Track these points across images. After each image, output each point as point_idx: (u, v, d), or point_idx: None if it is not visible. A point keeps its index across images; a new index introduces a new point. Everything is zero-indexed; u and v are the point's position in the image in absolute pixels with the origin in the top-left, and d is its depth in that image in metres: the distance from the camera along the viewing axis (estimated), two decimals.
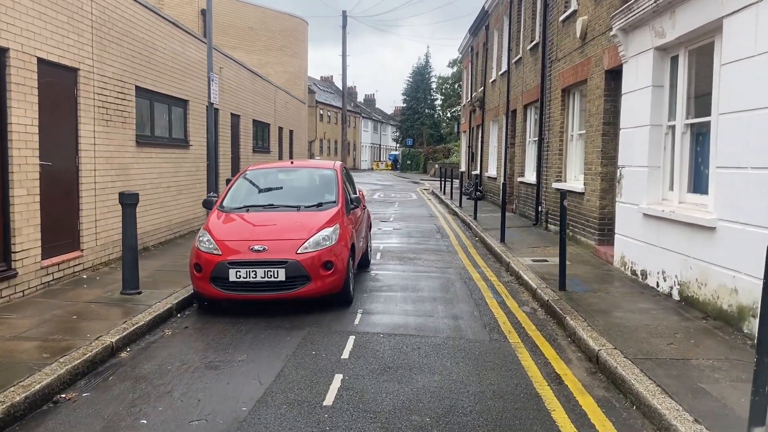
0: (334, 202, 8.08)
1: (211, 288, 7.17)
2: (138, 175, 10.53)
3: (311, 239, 7.26)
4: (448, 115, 71.69)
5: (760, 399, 3.80)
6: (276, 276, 7.01)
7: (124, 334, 6.11)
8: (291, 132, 25.17)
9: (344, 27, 29.12)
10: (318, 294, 7.24)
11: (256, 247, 7.12)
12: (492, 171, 23.11)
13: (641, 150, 8.75)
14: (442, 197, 26.18)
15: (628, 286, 8.43)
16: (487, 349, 6.17)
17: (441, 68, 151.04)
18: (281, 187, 8.75)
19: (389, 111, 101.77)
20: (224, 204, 8.21)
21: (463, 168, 33.41)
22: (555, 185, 13.54)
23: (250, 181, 8.77)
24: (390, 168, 74.63)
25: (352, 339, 6.37)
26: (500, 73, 21.12)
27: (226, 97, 15.53)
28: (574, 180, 12.99)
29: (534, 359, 5.90)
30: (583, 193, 11.70)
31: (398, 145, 77.48)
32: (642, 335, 6.17)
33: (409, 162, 65.33)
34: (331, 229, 7.46)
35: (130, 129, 10.17)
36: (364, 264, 10.13)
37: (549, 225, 14.20)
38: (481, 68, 26.69)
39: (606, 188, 10.79)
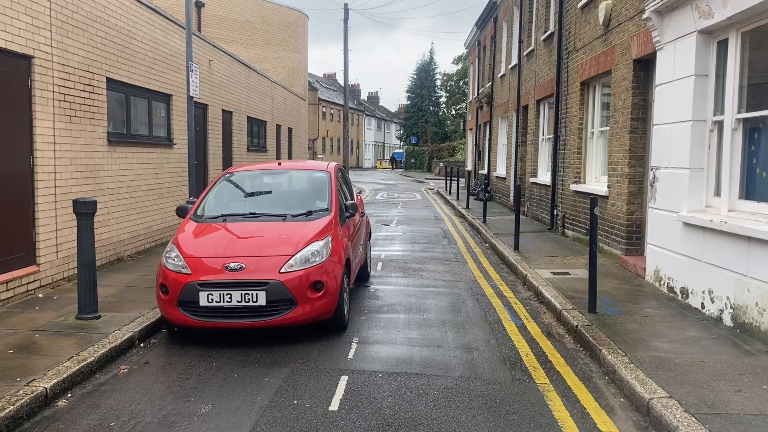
0: (327, 210, 6.93)
1: (178, 313, 6.05)
2: (110, 178, 9.41)
3: (298, 255, 6.13)
4: (453, 112, 70.51)
5: None
6: (255, 300, 5.88)
7: (66, 375, 4.99)
8: (290, 130, 24.06)
9: (346, 20, 27.99)
10: (305, 321, 6.12)
11: (232, 265, 6.00)
12: (501, 170, 21.94)
13: (681, 149, 7.59)
14: (448, 198, 25.04)
15: (667, 306, 7.28)
16: (510, 393, 5.03)
17: (445, 65, 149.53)
18: (265, 193, 7.60)
19: (393, 109, 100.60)
20: (198, 212, 7.08)
21: (469, 167, 32.24)
22: (573, 187, 12.39)
23: (230, 186, 7.64)
24: (391, 167, 73.47)
25: (344, 380, 5.23)
26: (510, 66, 19.95)
27: (216, 92, 14.42)
28: (595, 182, 11.83)
29: (568, 408, 4.76)
30: (606, 197, 10.54)
31: (402, 143, 76.29)
32: (700, 377, 5.02)
33: (413, 160, 64.13)
34: (321, 242, 6.33)
35: (100, 126, 9.06)
36: (363, 277, 9.01)
37: (566, 230, 13.04)
38: (488, 63, 25.51)
39: (634, 191, 9.64)
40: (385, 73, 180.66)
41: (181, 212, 7.25)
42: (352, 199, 8.42)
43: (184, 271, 6.06)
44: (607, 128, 11.10)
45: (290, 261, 6.06)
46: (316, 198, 7.19)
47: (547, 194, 14.66)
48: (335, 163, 8.12)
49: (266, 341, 6.25)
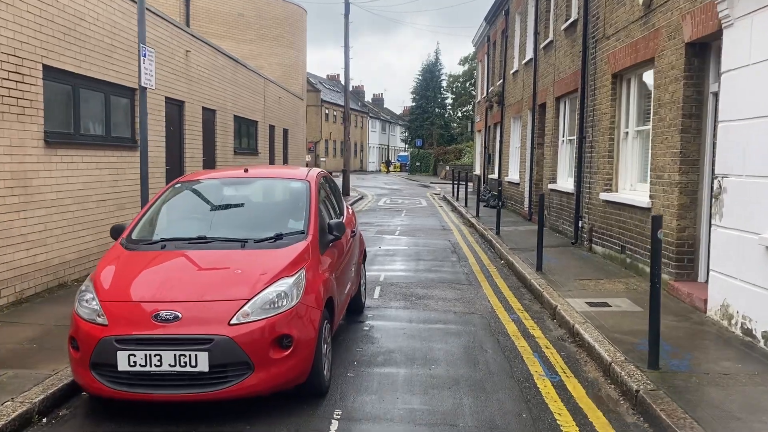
0: (302, 232, 5.22)
1: (92, 378, 4.37)
2: (50, 187, 7.75)
3: (257, 298, 4.44)
4: (459, 114, 68.75)
5: None
6: (193, 363, 4.19)
7: None
8: (285, 131, 22.41)
9: (347, 15, 26.35)
10: (267, 390, 4.43)
11: (164, 314, 4.30)
12: (513, 175, 20.22)
13: (763, 152, 5.88)
14: (455, 204, 23.33)
15: (749, 357, 5.57)
16: None
17: (451, 66, 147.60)
18: (223, 209, 5.85)
19: (398, 111, 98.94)
20: (133, 236, 5.38)
21: (477, 171, 30.50)
22: (603, 196, 10.67)
23: (179, 200, 5.93)
24: (398, 170, 71.72)
25: None
26: (524, 62, 18.24)
27: (196, 88, 12.76)
28: (630, 190, 10.11)
29: None
30: (648, 209, 8.82)
31: (407, 145, 74.56)
32: None
33: (418, 163, 62.38)
34: (292, 279, 4.62)
35: (33, 123, 7.40)
36: (356, 309, 7.33)
37: (593, 245, 11.32)
38: (499, 59, 23.80)
39: (686, 204, 7.91)
40: (390, 75, 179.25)
41: (116, 233, 5.57)
42: (341, 214, 6.71)
43: (99, 320, 4.38)
44: (648, 127, 9.39)
45: (245, 307, 4.36)
46: (289, 216, 5.48)
47: (570, 203, 12.94)
48: (318, 170, 6.38)
49: (217, 416, 4.56)
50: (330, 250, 5.47)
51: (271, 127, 20.05)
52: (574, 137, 13.13)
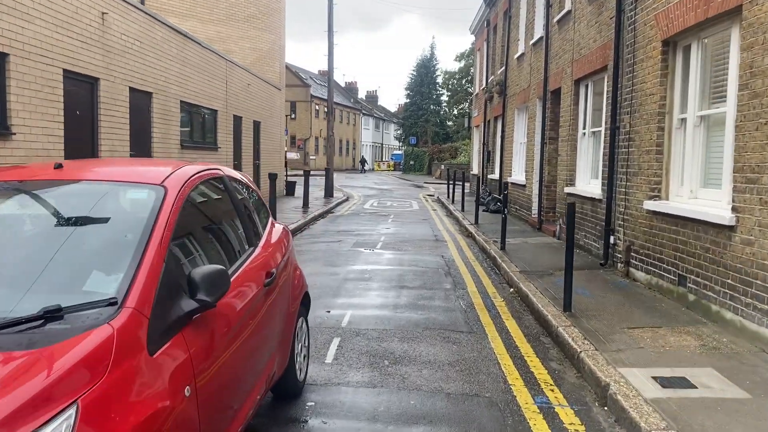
0: (111, 302, 2.36)
1: None
2: None
3: None
4: (455, 112, 65.96)
5: None
6: None
7: None
8: (257, 124, 19.56)
9: None
10: None
11: None
12: (518, 175, 17.44)
13: None
14: (451, 207, 20.55)
15: None
16: None
17: (446, 64, 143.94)
18: None
19: (393, 109, 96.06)
20: None
21: (475, 171, 27.74)
22: (650, 205, 7.91)
23: None
24: (391, 169, 68.80)
25: None
26: (532, 42, 15.47)
27: (117, 62, 9.95)
28: (690, 197, 7.35)
29: None
30: (730, 227, 6.06)
31: (401, 143, 71.69)
32: None
33: (412, 162, 59.46)
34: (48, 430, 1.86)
35: None
36: (286, 393, 4.55)
37: (632, 269, 8.56)
38: (501, 44, 21.04)
39: None
40: (385, 73, 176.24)
41: None
42: (248, 248, 3.84)
43: None
44: (721, 110, 6.64)
45: None
46: (97, 262, 2.65)
47: (596, 212, 10.18)
48: (197, 169, 3.48)
49: None
50: (194, 333, 2.66)
51: (237, 118, 17.22)
52: (601, 128, 10.37)
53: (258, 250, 3.87)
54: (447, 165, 44.54)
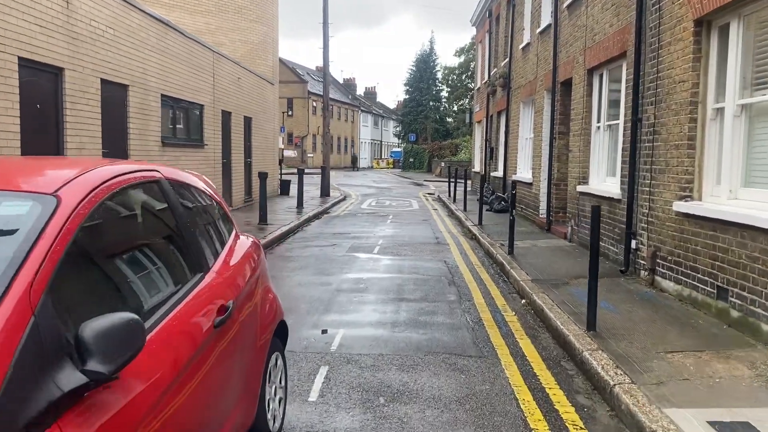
0: None
1: None
2: None
3: None
4: (455, 108, 64.98)
5: None
6: None
7: None
8: (248, 120, 18.62)
9: None
10: None
11: None
12: (523, 173, 16.51)
13: None
14: (452, 207, 19.64)
15: None
16: None
17: (446, 59, 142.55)
18: None
19: (392, 105, 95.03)
20: None
21: (477, 168, 26.81)
22: (680, 206, 6.99)
23: None
24: (390, 166, 67.82)
25: None
26: (539, 30, 14.53)
27: (86, 51, 9.03)
28: (730, 198, 6.43)
29: None
30: None
31: (400, 140, 70.69)
32: None
33: (411, 160, 58.45)
34: None
35: None
36: None
37: (658, 278, 7.65)
38: (504, 35, 20.11)
39: None
40: (384, 67, 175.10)
41: None
42: (194, 277, 2.82)
43: None
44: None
45: None
46: None
47: (614, 213, 9.26)
48: (119, 170, 2.51)
49: None
50: (83, 420, 1.75)
51: (226, 114, 16.27)
52: (619, 121, 9.46)
53: (208, 278, 2.93)
54: (447, 162, 43.65)
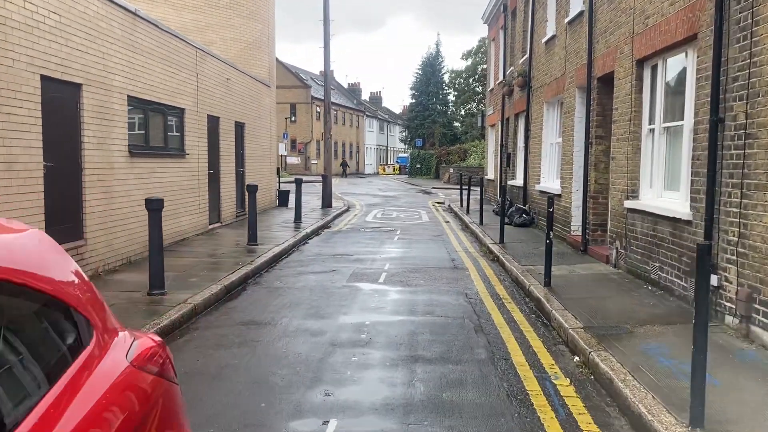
0: None
1: None
2: None
3: None
4: (462, 112, 63.07)
5: None
6: None
7: None
8: (240, 126, 16.81)
9: None
10: None
11: None
12: (549, 183, 14.63)
13: None
14: (466, 219, 17.76)
15: None
16: None
17: (452, 63, 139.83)
18: None
19: (397, 110, 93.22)
20: None
21: (491, 175, 24.93)
22: None
23: None
24: (396, 172, 65.90)
25: None
26: (567, 20, 12.67)
27: (14, 40, 7.22)
28: None
29: None
30: None
31: (406, 146, 68.80)
32: None
33: (418, 166, 56.48)
34: None
35: None
36: None
37: (756, 328, 5.77)
38: (521, 30, 18.28)
39: None
40: (388, 73, 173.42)
41: None
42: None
43: None
44: None
45: None
46: None
47: (679, 237, 7.37)
48: None
49: None
50: None
51: (213, 119, 14.45)
52: (683, 122, 7.59)
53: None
54: (456, 168, 41.77)
